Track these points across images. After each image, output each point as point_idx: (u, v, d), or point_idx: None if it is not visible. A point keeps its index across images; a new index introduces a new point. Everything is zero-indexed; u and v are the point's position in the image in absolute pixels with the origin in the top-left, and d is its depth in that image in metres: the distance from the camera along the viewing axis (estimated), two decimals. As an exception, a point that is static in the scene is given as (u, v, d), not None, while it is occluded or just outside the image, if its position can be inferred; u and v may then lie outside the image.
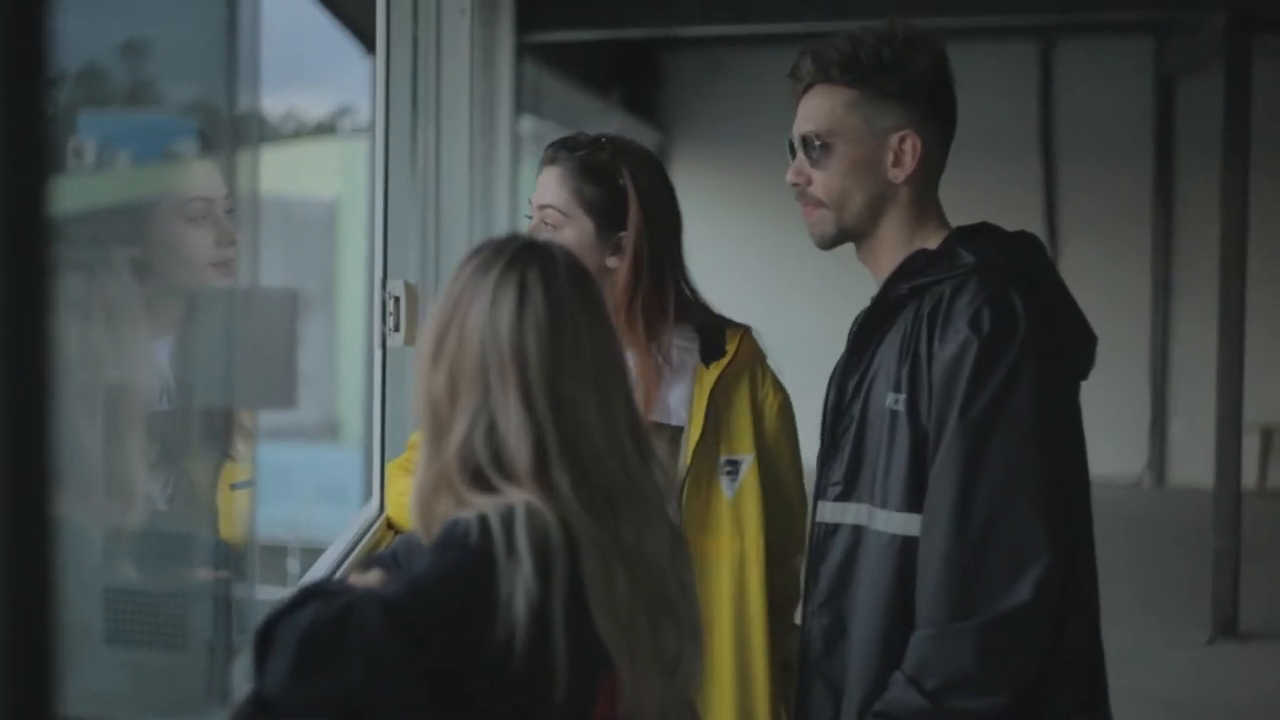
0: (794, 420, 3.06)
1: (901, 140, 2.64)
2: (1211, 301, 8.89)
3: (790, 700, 2.99)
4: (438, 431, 1.98)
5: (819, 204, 2.68)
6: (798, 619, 3.03)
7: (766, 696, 2.94)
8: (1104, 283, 13.69)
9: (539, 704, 1.88)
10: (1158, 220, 14.14)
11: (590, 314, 2.03)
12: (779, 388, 3.05)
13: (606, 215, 2.93)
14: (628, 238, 2.92)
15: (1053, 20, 13.48)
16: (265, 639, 1.82)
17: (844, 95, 2.66)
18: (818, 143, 2.66)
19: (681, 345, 2.97)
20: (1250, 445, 10.68)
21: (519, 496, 1.91)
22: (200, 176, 2.73)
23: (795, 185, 2.71)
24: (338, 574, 2.79)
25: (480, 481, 1.94)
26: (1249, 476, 11.03)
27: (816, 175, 2.67)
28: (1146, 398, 14.19)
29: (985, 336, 2.47)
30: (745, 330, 3.05)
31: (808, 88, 2.72)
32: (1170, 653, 8.11)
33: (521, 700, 1.88)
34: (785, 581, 3.04)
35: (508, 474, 1.94)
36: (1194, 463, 12.98)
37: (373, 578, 2.01)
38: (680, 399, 2.95)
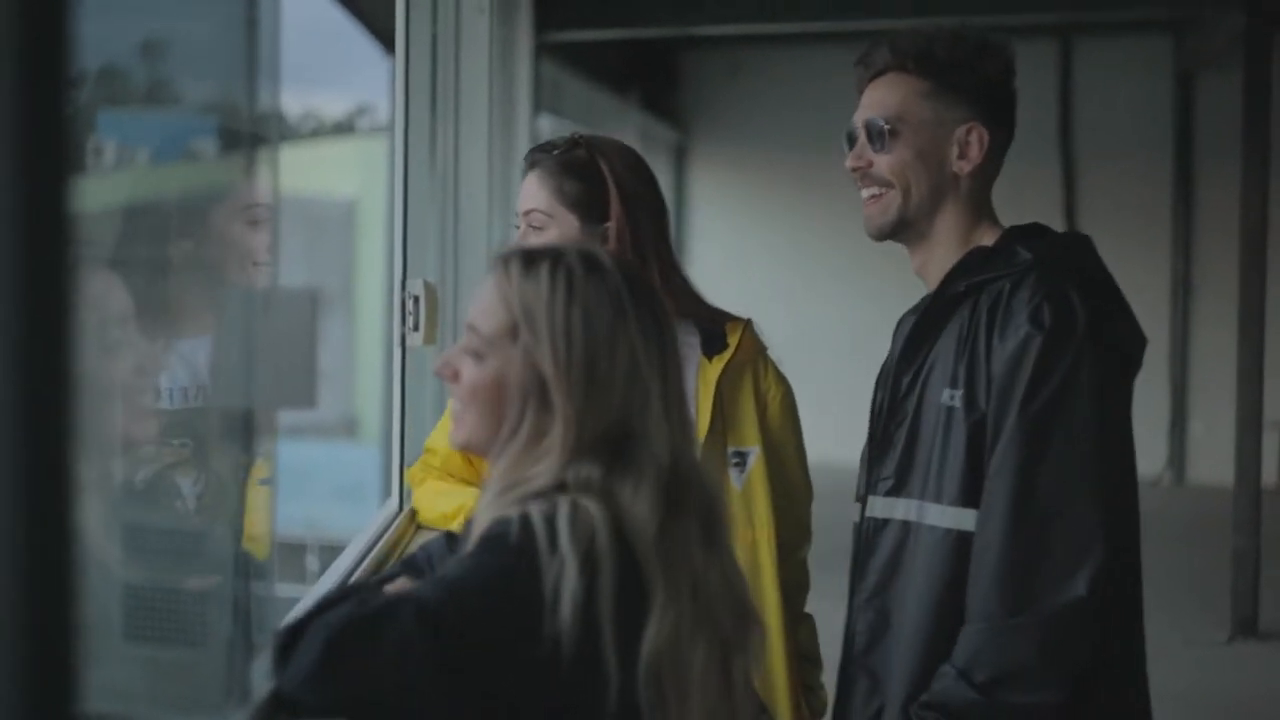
0: (796, 411, 3.10)
1: (968, 132, 2.67)
2: (1231, 299, 8.87)
3: (811, 689, 3.03)
4: (577, 448, 1.97)
5: (884, 185, 2.69)
6: (808, 609, 3.14)
7: (786, 685, 2.96)
8: (1123, 281, 13.51)
9: (590, 703, 1.88)
10: (1177, 218, 14.11)
11: (673, 336, 2.11)
12: (781, 379, 3.09)
13: (589, 208, 2.96)
14: (612, 228, 2.94)
15: (1071, 19, 13.47)
16: (293, 636, 1.83)
17: (917, 85, 2.69)
18: (886, 127, 2.68)
19: (681, 339, 2.98)
20: (1270, 443, 10.65)
21: (576, 499, 1.92)
22: (264, 182, 2.77)
23: (856, 170, 2.72)
24: (359, 571, 2.80)
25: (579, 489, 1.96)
26: (1269, 475, 10.99)
27: (880, 158, 2.69)
28: (1166, 395, 14.16)
29: (1047, 331, 2.48)
30: (747, 323, 3.07)
31: (875, 76, 2.74)
32: (1189, 651, 8.09)
33: (571, 700, 1.88)
34: (794, 573, 3.08)
35: (596, 482, 1.96)
36: (1213, 461, 12.95)
37: (401, 584, 2.02)
38: (688, 393, 2.96)
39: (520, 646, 1.84)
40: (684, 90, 15.46)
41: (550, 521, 1.88)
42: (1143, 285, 13.81)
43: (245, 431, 2.22)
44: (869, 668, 2.67)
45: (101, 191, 2.19)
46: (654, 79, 14.48)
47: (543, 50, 9.84)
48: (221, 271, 2.78)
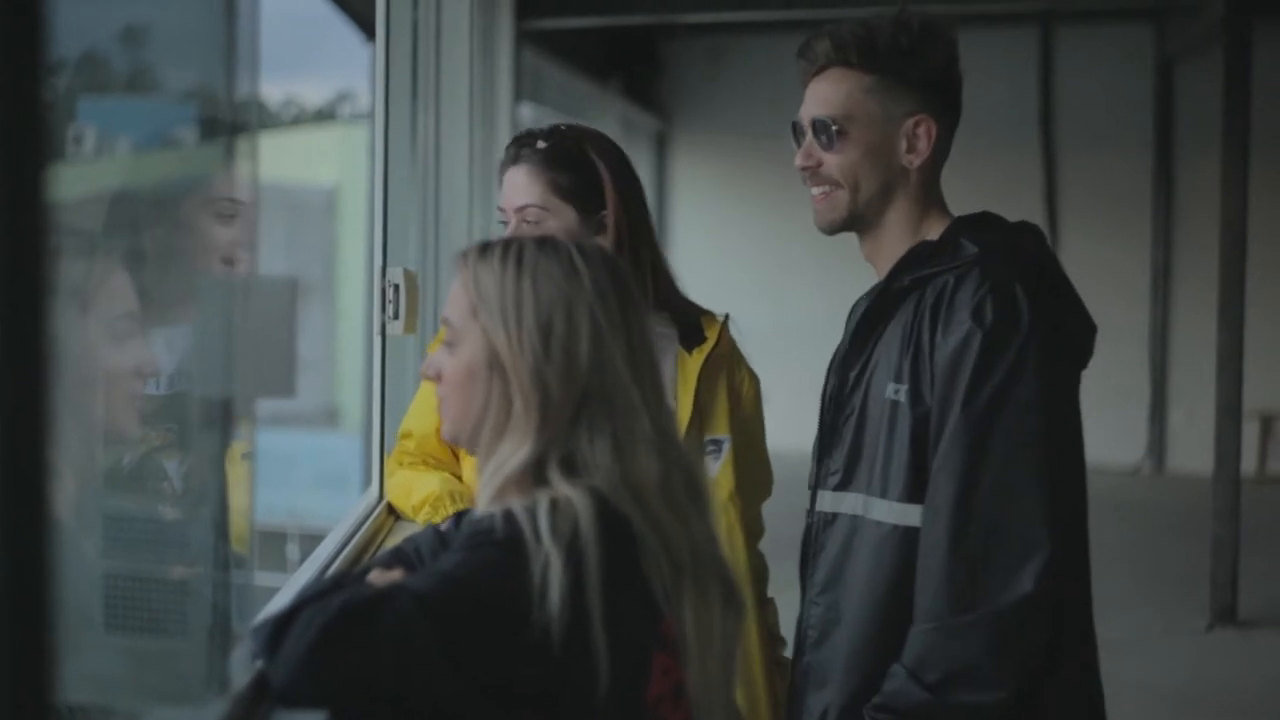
0: (762, 406, 3.15)
1: (916, 125, 2.65)
2: (1211, 288, 8.88)
3: (781, 666, 3.09)
4: (544, 417, 2.00)
5: (834, 184, 2.67)
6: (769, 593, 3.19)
7: (760, 664, 3.00)
8: (1104, 269, 13.70)
9: (582, 688, 1.90)
10: (1158, 207, 14.14)
11: (640, 305, 2.12)
12: (754, 375, 3.15)
13: (585, 199, 2.97)
14: (608, 215, 2.95)
15: (1052, 6, 13.49)
16: (282, 625, 1.82)
17: (860, 80, 2.66)
18: (833, 127, 2.66)
19: (659, 330, 2.99)
20: (1250, 432, 10.68)
21: (562, 491, 1.95)
22: (243, 171, 2.76)
23: (805, 169, 2.70)
24: (339, 560, 2.80)
25: (568, 467, 1.99)
26: (1248, 463, 11.04)
27: (829, 158, 2.67)
28: (1146, 384, 14.19)
29: (989, 328, 2.46)
30: (724, 319, 3.11)
31: (819, 71, 2.71)
32: (1169, 640, 8.12)
33: (563, 685, 1.90)
34: (756, 560, 3.15)
35: (587, 463, 2.00)
36: (1193, 449, 12.99)
37: (395, 575, 2.02)
38: (665, 381, 2.99)
39: (513, 633, 1.86)
40: (665, 78, 15.44)
41: (532, 515, 1.91)
42: (1123, 273, 13.91)
43: (224, 419, 2.22)
44: (819, 662, 2.67)
45: (88, 178, 2.19)
46: (635, 67, 14.47)
47: (524, 38, 9.83)
48: (192, 262, 2.77)
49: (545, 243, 2.07)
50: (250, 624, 1.92)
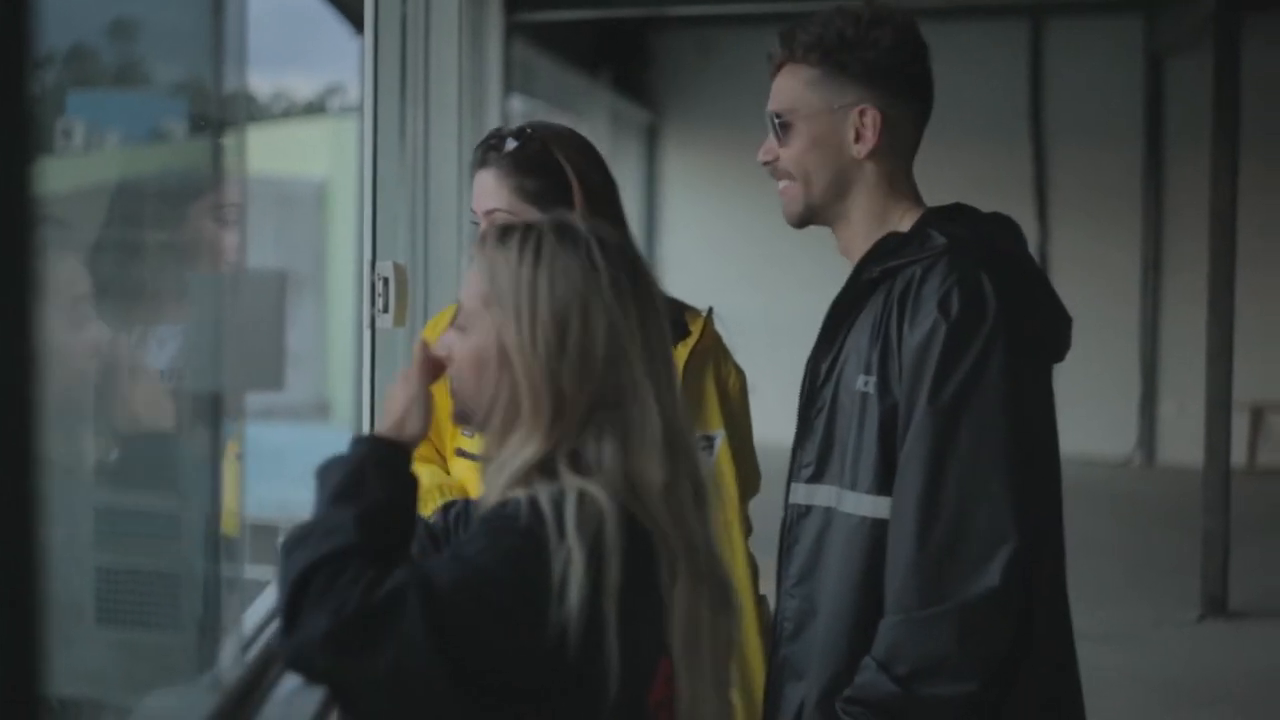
0: (748, 400, 3.14)
1: (861, 115, 2.63)
2: (1201, 280, 8.90)
3: None
4: (556, 416, 1.97)
5: (789, 178, 2.69)
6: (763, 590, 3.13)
7: (761, 664, 2.99)
8: (1094, 262, 13.72)
9: (592, 692, 1.89)
10: (1148, 200, 14.15)
11: (658, 300, 2.08)
12: (739, 368, 3.13)
13: (552, 203, 2.94)
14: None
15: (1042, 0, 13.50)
16: (301, 586, 1.81)
17: (806, 74, 2.67)
18: (779, 120, 2.67)
19: None
20: (1240, 424, 10.70)
21: (586, 486, 1.91)
22: (232, 167, 2.77)
23: (765, 164, 2.72)
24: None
25: (576, 464, 1.95)
26: (1238, 455, 11.04)
27: (783, 152, 2.68)
28: (1136, 377, 14.21)
29: (954, 320, 2.46)
30: (707, 312, 3.10)
31: (778, 67, 2.73)
32: (1160, 631, 8.13)
33: (574, 689, 1.89)
34: (749, 559, 3.12)
35: (594, 462, 1.96)
36: (1184, 442, 12.99)
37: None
38: None
39: (527, 634, 1.84)
40: (655, 71, 15.45)
41: (558, 507, 1.88)
42: (1113, 266, 13.92)
43: (214, 413, 2.22)
44: (796, 654, 2.67)
45: (79, 173, 2.19)
46: (625, 59, 14.48)
47: (514, 30, 9.83)
48: (191, 263, 2.78)
49: (565, 233, 2.03)
50: (278, 542, 1.90)
